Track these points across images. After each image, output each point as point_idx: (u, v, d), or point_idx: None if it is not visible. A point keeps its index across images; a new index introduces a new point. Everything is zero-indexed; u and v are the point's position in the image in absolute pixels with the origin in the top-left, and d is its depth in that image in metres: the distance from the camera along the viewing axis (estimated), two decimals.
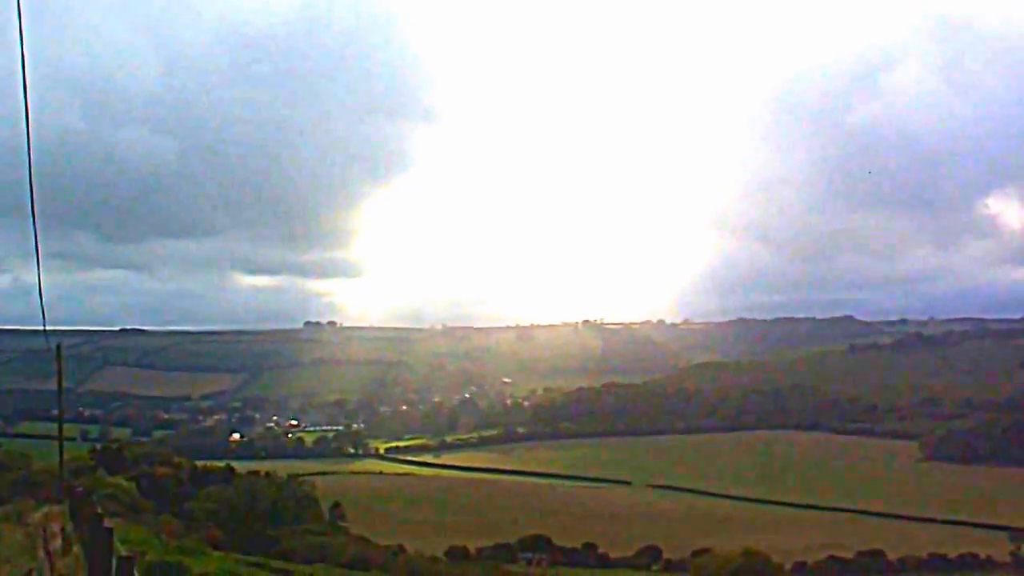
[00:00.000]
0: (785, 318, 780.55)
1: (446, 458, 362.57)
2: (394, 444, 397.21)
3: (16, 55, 20.00)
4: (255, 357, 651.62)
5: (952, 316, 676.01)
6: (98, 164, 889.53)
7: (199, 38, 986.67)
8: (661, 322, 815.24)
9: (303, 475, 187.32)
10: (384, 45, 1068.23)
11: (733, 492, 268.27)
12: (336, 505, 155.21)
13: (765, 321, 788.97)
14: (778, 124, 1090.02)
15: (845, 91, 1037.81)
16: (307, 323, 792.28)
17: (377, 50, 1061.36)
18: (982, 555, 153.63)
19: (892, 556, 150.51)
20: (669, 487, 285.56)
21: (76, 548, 36.22)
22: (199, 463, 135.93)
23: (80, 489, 53.02)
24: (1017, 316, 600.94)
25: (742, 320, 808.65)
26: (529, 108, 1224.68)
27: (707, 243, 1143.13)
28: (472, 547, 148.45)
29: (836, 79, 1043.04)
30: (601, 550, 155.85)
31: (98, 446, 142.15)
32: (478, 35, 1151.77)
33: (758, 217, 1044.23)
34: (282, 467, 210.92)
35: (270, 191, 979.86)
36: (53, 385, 69.89)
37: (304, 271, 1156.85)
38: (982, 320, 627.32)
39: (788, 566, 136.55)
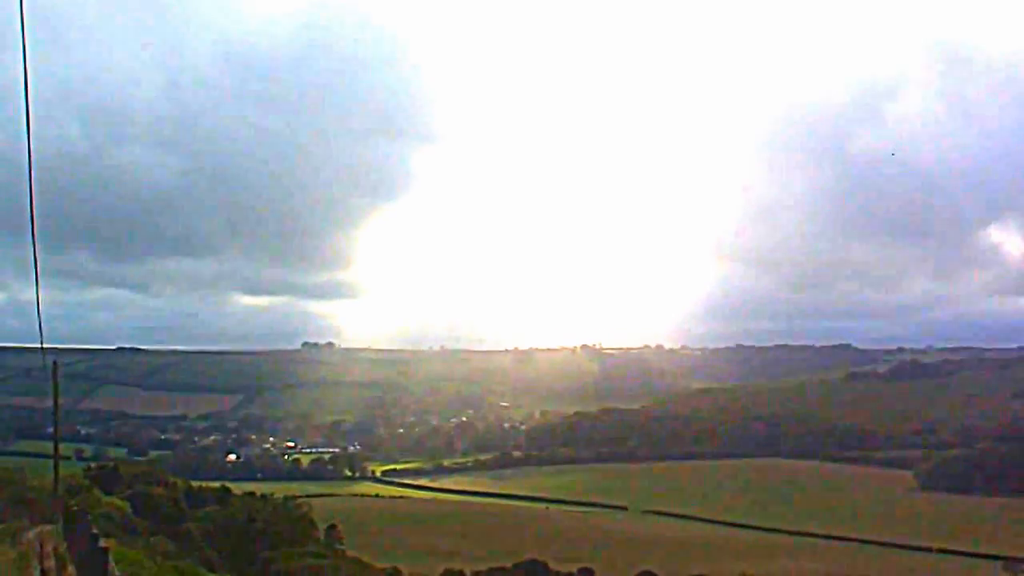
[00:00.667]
0: (783, 345, 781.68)
1: (442, 481, 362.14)
2: (391, 467, 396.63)
3: (19, 71, 19.86)
4: (252, 377, 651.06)
5: (949, 345, 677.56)
6: (98, 181, 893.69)
7: (202, 57, 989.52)
8: (659, 347, 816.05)
9: (299, 497, 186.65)
10: (386, 66, 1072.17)
11: (729, 519, 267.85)
12: (332, 527, 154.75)
13: (763, 348, 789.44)
14: (780, 151, 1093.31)
15: (847, 119, 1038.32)
16: (305, 344, 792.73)
17: (379, 71, 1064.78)
18: None
19: None
20: (666, 513, 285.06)
21: (71, 568, 36.02)
22: (195, 483, 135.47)
23: (75, 508, 52.83)
24: (1014, 346, 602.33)
25: (740, 347, 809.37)
26: (530, 131, 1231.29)
27: (707, 269, 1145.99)
28: (468, 571, 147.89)
29: (838, 107, 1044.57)
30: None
31: (93, 465, 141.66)
32: (481, 58, 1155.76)
33: (758, 244, 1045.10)
34: (278, 488, 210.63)
35: (271, 211, 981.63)
36: (49, 403, 69.59)
37: (303, 292, 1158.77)
38: (979, 349, 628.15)
39: None
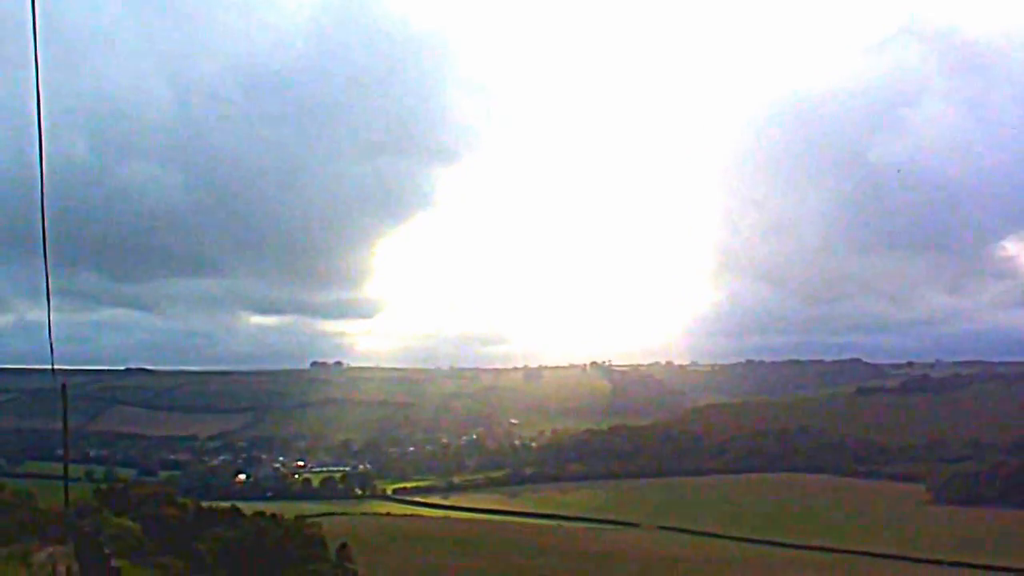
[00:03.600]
0: (793, 360, 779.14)
1: (453, 499, 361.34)
2: (401, 485, 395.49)
3: (29, 87, 19.73)
4: (262, 397, 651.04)
5: (959, 359, 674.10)
6: (106, 199, 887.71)
7: (212, 72, 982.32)
8: (669, 363, 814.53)
9: (310, 516, 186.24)
10: (399, 82, 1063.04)
11: (741, 534, 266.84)
12: (343, 546, 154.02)
13: (773, 363, 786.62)
14: (793, 163, 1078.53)
15: (865, 128, 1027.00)
16: (313, 363, 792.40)
17: (391, 87, 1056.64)
18: None
19: None
20: (677, 529, 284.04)
21: None
22: (205, 504, 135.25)
23: (86, 530, 52.83)
24: None
25: (750, 362, 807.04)
26: (540, 147, 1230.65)
27: (717, 285, 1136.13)
28: None
29: (856, 116, 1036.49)
30: None
31: (104, 486, 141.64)
32: (491, 76, 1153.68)
33: (770, 258, 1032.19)
34: (288, 508, 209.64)
35: (281, 229, 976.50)
36: (58, 424, 69.64)
37: (313, 311, 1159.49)
38: (989, 363, 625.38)
39: None
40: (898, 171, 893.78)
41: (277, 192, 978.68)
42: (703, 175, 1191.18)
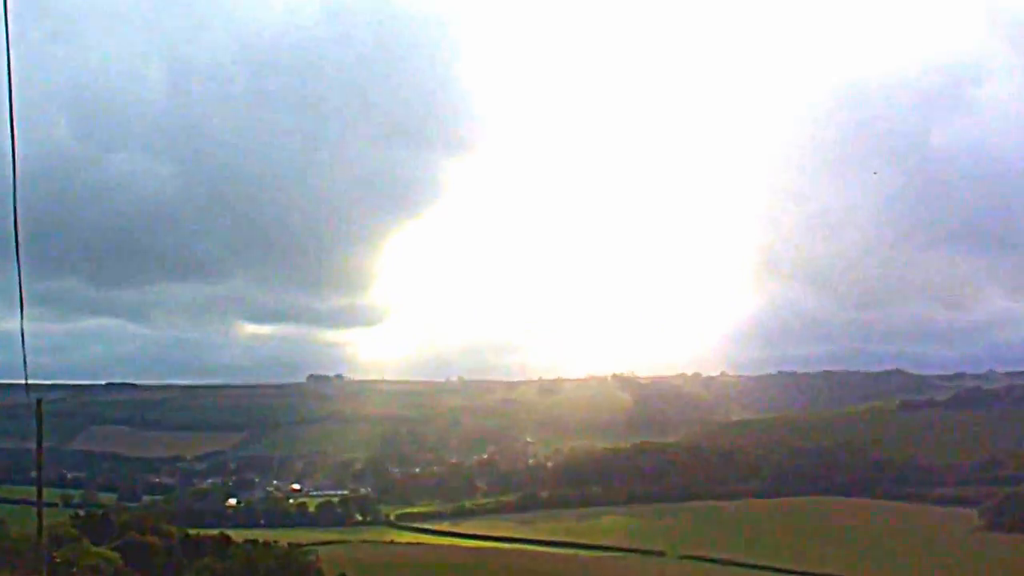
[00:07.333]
0: (831, 371, 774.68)
1: (463, 525, 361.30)
2: (406, 510, 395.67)
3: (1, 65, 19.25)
4: (255, 414, 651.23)
5: (1015, 369, 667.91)
6: (89, 193, 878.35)
7: (209, 55, 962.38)
8: (697, 375, 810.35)
9: (306, 545, 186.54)
10: (409, 69, 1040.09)
11: (777, 563, 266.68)
12: None
13: (809, 375, 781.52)
14: (842, 152, 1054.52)
15: (923, 111, 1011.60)
16: (311, 376, 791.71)
17: (401, 75, 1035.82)
18: None
19: None
20: (707, 559, 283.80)
21: None
22: (192, 531, 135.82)
23: (60, 560, 52.69)
24: None
25: (782, 373, 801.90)
26: (561, 142, 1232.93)
27: (749, 289, 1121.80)
28: None
29: (913, 98, 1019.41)
30: None
31: (81, 512, 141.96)
32: (513, 63, 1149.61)
33: (811, 260, 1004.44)
34: (283, 535, 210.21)
35: (281, 228, 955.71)
36: (33, 444, 69.58)
37: (312, 319, 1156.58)
38: None
39: None
40: (874, 173, 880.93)
41: (278, 187, 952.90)
42: (739, 167, 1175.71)
